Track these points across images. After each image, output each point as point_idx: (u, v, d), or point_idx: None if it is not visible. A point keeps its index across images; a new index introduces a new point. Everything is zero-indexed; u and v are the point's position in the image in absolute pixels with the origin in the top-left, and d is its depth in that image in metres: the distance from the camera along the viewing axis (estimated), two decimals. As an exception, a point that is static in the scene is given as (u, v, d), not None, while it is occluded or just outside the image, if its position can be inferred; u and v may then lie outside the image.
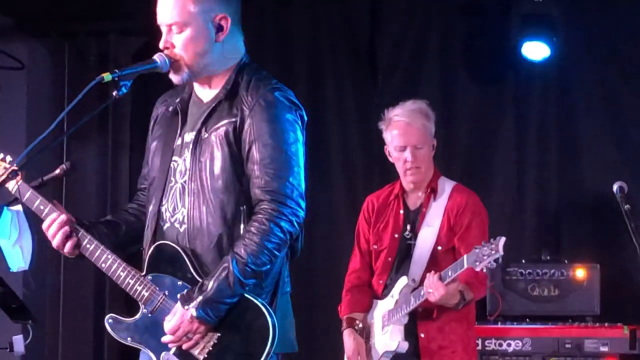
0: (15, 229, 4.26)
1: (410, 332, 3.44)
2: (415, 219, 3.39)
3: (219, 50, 2.65)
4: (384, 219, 3.55)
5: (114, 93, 2.59)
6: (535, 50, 4.53)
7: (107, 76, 2.54)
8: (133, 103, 4.76)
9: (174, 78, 2.63)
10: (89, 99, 2.61)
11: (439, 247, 3.45)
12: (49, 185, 2.78)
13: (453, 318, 3.43)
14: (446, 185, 3.54)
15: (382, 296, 3.45)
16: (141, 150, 4.37)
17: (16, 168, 2.64)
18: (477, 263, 3.19)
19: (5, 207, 3.73)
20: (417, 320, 3.40)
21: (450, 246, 3.45)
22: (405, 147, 3.31)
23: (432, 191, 3.46)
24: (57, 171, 2.80)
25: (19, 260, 4.36)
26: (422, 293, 3.27)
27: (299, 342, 3.01)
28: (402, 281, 3.43)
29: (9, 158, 2.75)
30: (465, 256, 3.21)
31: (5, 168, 2.69)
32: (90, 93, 2.55)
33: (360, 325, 3.54)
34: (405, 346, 3.39)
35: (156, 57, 2.61)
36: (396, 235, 3.36)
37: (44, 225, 2.73)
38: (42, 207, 2.76)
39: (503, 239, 3.22)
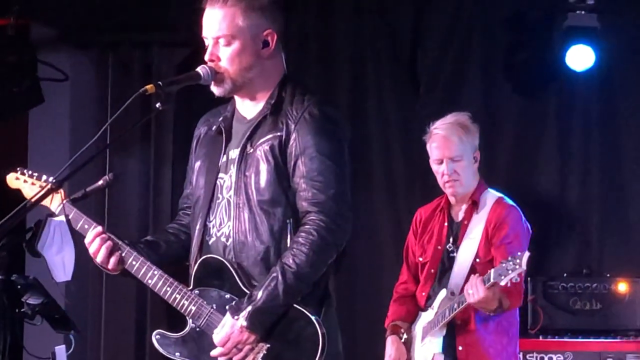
0: (59, 240, 3.73)
1: (449, 345, 3.43)
2: (457, 231, 3.40)
3: (263, 66, 2.66)
4: (429, 231, 3.56)
5: (157, 105, 2.59)
6: (579, 60, 4.54)
7: (150, 88, 2.55)
8: (176, 115, 4.75)
9: (216, 90, 2.65)
10: (132, 111, 2.62)
11: (477, 260, 3.44)
12: (91, 196, 2.80)
13: (492, 331, 3.42)
14: (488, 198, 3.53)
15: (425, 308, 3.46)
16: (183, 162, 4.43)
17: (54, 186, 2.67)
18: (502, 277, 3.20)
19: (49, 219, 3.42)
20: (455, 333, 3.40)
21: (488, 259, 3.45)
22: (442, 160, 3.33)
23: (474, 204, 3.47)
24: (100, 182, 2.82)
25: (62, 271, 3.81)
26: (457, 303, 3.29)
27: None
28: (442, 293, 3.44)
29: (44, 177, 2.81)
30: (492, 270, 3.23)
31: (41, 187, 2.75)
32: (134, 105, 2.55)
33: (405, 335, 3.55)
34: (440, 359, 3.39)
35: (199, 69, 2.64)
36: (439, 247, 3.38)
37: (86, 241, 2.79)
38: (86, 227, 2.82)
39: (527, 255, 3.23)
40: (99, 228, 2.76)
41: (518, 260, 3.21)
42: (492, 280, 3.23)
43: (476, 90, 4.92)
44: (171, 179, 4.93)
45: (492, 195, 3.47)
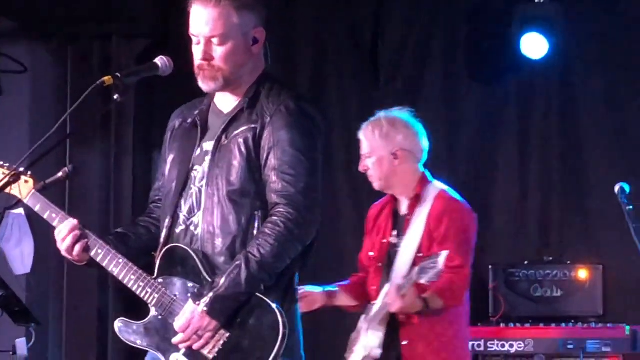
0: (17, 233, 4.36)
1: (392, 340, 3.47)
2: (402, 225, 3.45)
3: (252, 62, 2.70)
4: (377, 226, 3.64)
5: (115, 97, 2.59)
6: (534, 48, 4.60)
7: (108, 80, 2.54)
8: (137, 106, 4.76)
9: (206, 86, 2.67)
10: (92, 103, 2.62)
11: (420, 254, 3.46)
12: (51, 188, 2.74)
13: (437, 323, 3.45)
14: (431, 191, 3.56)
15: (374, 301, 3.55)
16: (144, 153, 4.37)
17: (17, 172, 2.64)
18: (422, 276, 3.24)
19: (8, 211, 3.59)
20: (399, 328, 3.42)
21: (430, 253, 3.47)
22: (361, 156, 3.48)
23: (416, 197, 3.51)
24: (60, 174, 2.77)
25: (20, 264, 4.43)
26: (383, 305, 3.34)
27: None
28: (386, 288, 3.45)
29: (6, 165, 2.77)
30: (415, 268, 3.29)
31: (3, 174, 2.70)
32: (93, 96, 2.54)
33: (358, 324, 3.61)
34: (375, 354, 3.42)
35: (158, 60, 2.64)
36: (384, 241, 3.43)
37: (56, 229, 2.74)
38: (54, 216, 2.78)
39: (445, 254, 3.26)
40: (74, 221, 2.73)
41: (437, 259, 3.25)
42: (413, 280, 3.27)
43: (436, 79, 4.96)
44: (132, 170, 4.91)
45: (435, 188, 3.50)
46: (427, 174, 3.49)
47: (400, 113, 3.52)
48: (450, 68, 5.01)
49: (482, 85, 4.98)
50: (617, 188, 3.41)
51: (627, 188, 3.38)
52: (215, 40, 2.65)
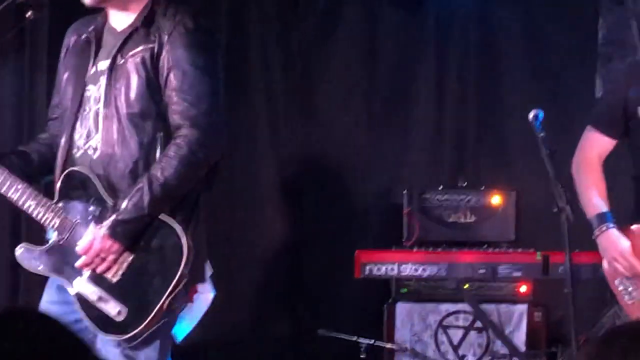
0: None
1: None
2: None
3: None
4: None
5: (29, 13, 2.67)
6: None
7: None
8: (51, 24, 4.49)
9: (86, 0, 2.67)
10: (5, 21, 2.77)
11: None
12: None
13: None
14: None
15: None
16: (52, 77, 4.32)
17: None
18: None
19: None
20: None
21: None
22: None
23: None
24: None
25: None
26: None
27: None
28: None
29: None
30: None
31: None
32: (5, 14, 2.67)
33: None
34: None
35: None
36: None
37: None
38: None
39: None
40: None
41: None
42: None
43: (356, 4, 4.87)
44: (46, 89, 4.61)
45: None
46: None
47: None
48: None
49: (402, 10, 4.82)
50: (531, 115, 3.37)
51: (541, 115, 3.35)
52: None
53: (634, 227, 3.48)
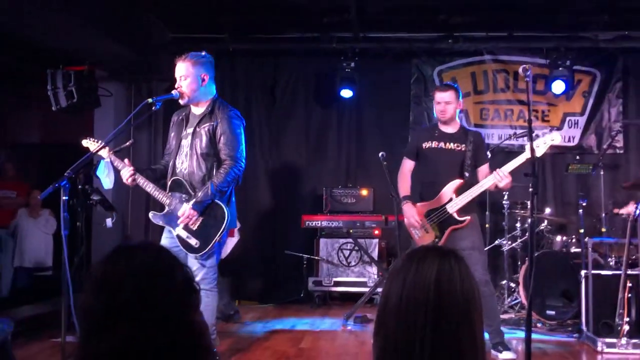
0: (107, 169, 4.38)
1: None
2: None
3: (202, 90, 3.57)
4: None
5: (153, 108, 3.42)
6: (346, 93, 6.84)
7: (150, 100, 3.40)
8: (164, 112, 6.08)
9: (181, 101, 3.55)
10: (142, 111, 3.50)
11: None
12: (123, 150, 3.70)
13: None
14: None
15: None
16: (164, 135, 5.26)
17: (104, 145, 3.53)
18: None
19: (102, 160, 4.20)
20: None
21: None
22: None
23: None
24: (127, 143, 3.80)
25: (108, 184, 4.59)
26: None
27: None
28: None
29: (100, 141, 3.56)
30: None
31: (99, 145, 3.56)
32: (143, 108, 3.46)
33: None
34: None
35: (173, 91, 3.55)
36: None
37: (121, 171, 3.59)
38: (120, 166, 3.60)
39: None
40: (132, 168, 3.55)
41: None
42: None
43: (301, 101, 7.04)
44: (161, 142, 6.69)
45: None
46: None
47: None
48: (307, 97, 7.08)
49: (321, 106, 7.21)
50: (380, 154, 4.36)
51: (384, 155, 4.28)
52: (182, 78, 3.49)
53: (417, 204, 4.50)
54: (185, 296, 1.26)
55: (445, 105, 4.56)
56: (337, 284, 6.50)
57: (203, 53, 3.68)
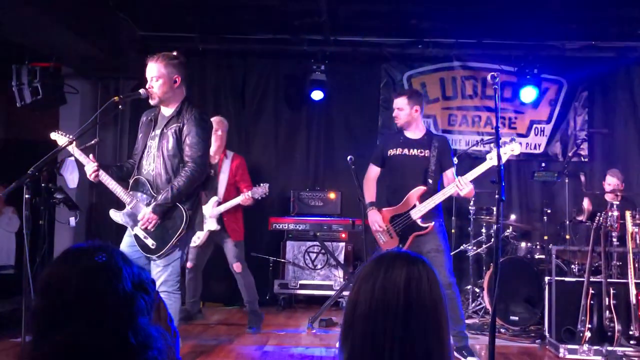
0: (72, 168, 5.34)
1: None
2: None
3: (173, 92, 3.57)
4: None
5: (120, 107, 3.44)
6: (317, 95, 6.89)
7: (116, 98, 3.37)
8: (131, 111, 6.69)
9: (151, 102, 3.53)
10: (109, 109, 3.45)
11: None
12: (88, 148, 3.68)
13: None
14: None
15: None
16: (132, 135, 5.39)
17: (73, 139, 3.51)
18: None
19: (67, 159, 4.90)
20: None
21: None
22: None
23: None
24: (92, 142, 3.84)
25: (72, 183, 5.61)
26: None
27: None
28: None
29: (69, 135, 3.58)
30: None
31: (68, 139, 3.55)
32: (109, 106, 3.41)
33: None
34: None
35: (141, 90, 3.51)
36: None
37: (85, 167, 3.58)
38: (84, 161, 3.59)
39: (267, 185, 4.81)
40: (96, 164, 3.57)
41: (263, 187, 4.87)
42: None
43: (269, 106, 7.02)
44: (127, 142, 6.85)
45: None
46: None
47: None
48: (277, 99, 7.16)
49: (291, 108, 7.28)
50: (348, 158, 4.43)
51: (352, 158, 4.36)
52: (154, 79, 3.47)
53: (383, 209, 4.49)
54: (133, 297, 1.27)
55: (398, 111, 4.63)
56: (303, 286, 6.51)
57: (175, 53, 3.66)
